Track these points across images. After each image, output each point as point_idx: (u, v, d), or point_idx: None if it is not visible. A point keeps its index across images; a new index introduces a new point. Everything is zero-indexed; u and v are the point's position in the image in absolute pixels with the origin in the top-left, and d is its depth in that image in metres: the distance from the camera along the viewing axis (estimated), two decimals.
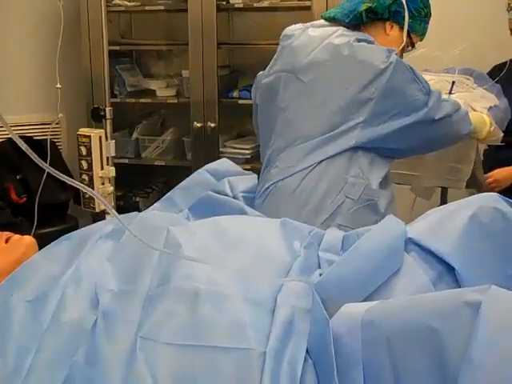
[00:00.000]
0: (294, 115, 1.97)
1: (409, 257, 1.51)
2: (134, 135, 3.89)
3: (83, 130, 2.34)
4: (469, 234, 1.53)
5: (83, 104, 3.59)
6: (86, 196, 2.33)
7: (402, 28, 2.02)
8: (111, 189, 2.36)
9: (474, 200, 1.61)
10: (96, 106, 2.37)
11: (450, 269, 1.52)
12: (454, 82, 2.22)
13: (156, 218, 1.61)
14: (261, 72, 2.15)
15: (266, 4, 3.42)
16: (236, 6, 3.47)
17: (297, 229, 1.55)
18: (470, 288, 1.24)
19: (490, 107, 2.28)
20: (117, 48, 3.76)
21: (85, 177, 2.33)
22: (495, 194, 1.64)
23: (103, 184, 2.33)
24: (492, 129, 2.13)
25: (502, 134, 2.20)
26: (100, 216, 2.37)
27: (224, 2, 3.42)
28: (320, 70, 1.93)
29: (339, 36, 1.95)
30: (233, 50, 3.88)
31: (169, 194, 1.83)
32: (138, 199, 3.87)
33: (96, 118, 2.35)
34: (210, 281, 1.26)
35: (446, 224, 1.57)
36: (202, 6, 3.35)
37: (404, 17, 1.99)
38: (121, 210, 2.93)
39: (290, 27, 2.10)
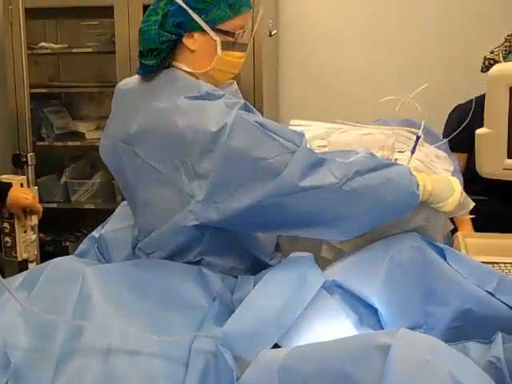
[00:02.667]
0: (142, 200, 1.66)
1: (332, 300, 1.52)
2: (63, 179, 3.82)
3: (4, 177, 2.28)
4: (390, 274, 1.54)
5: (8, 149, 3.51)
6: (8, 245, 2.27)
7: (202, 30, 1.62)
8: (34, 236, 2.30)
9: (394, 240, 1.63)
10: (17, 152, 2.31)
11: (373, 311, 1.53)
12: (418, 138, 1.78)
13: (71, 263, 1.59)
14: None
15: None
16: None
17: (212, 275, 1.55)
18: (381, 331, 1.26)
19: (454, 170, 1.93)
20: (44, 91, 3.72)
21: (6, 225, 2.27)
22: (414, 233, 1.66)
23: (25, 232, 2.27)
24: (463, 198, 1.70)
25: (473, 204, 1.76)
26: (23, 265, 2.31)
27: None
28: (151, 142, 1.59)
29: (168, 94, 1.61)
30: None
31: (93, 232, 1.82)
32: (67, 244, 3.79)
33: (18, 164, 2.30)
34: (122, 335, 1.24)
35: (368, 265, 1.58)
36: (129, 47, 3.34)
37: (194, 20, 1.61)
38: (50, 255, 2.86)
39: (124, 80, 1.77)
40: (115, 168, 1.73)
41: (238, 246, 1.62)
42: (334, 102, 3.58)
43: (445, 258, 1.61)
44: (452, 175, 1.85)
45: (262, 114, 3.26)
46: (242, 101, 1.60)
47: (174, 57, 1.67)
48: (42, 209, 2.34)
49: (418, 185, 1.57)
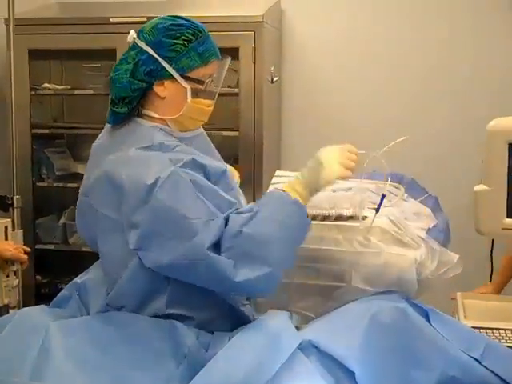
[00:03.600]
0: (102, 249, 1.69)
1: (307, 362, 1.46)
2: (62, 220, 3.78)
3: None
4: (369, 335, 1.48)
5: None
6: None
7: (173, 78, 1.66)
8: (16, 282, 2.25)
9: (374, 300, 1.58)
10: (2, 194, 2.28)
11: (351, 374, 1.46)
12: (384, 196, 1.71)
13: (37, 316, 1.56)
14: None
15: None
16: None
17: (185, 330, 1.51)
18: None
19: (429, 229, 1.84)
20: (46, 131, 3.70)
21: None
22: (396, 293, 1.61)
23: (8, 277, 2.22)
24: (434, 266, 1.64)
25: (461, 268, 1.66)
26: (4, 310, 2.25)
27: None
28: (101, 191, 1.62)
29: (126, 146, 1.63)
30: None
31: (77, 278, 1.81)
32: (63, 286, 3.73)
33: (2, 206, 2.26)
34: None
35: (347, 325, 1.52)
36: None
37: (165, 68, 1.66)
38: (46, 297, 2.81)
39: (98, 136, 1.81)
40: (82, 225, 1.80)
41: (209, 294, 1.56)
42: None
43: (429, 321, 1.56)
44: (427, 233, 1.79)
45: (262, 162, 3.32)
46: (190, 157, 1.59)
47: (144, 104, 1.72)
48: (26, 258, 2.29)
49: (288, 194, 1.57)
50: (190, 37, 1.67)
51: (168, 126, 1.71)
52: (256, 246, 1.48)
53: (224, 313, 1.61)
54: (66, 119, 4.03)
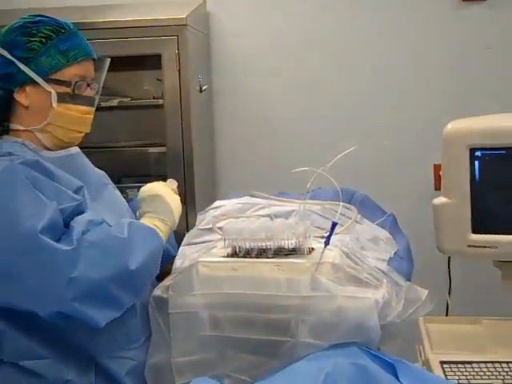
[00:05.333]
0: None
1: None
2: None
3: None
4: None
5: None
6: None
7: (34, 82, 1.48)
8: None
9: (329, 356, 1.25)
10: None
11: None
12: (335, 225, 1.38)
13: None
14: None
15: (114, 103, 3.07)
16: None
17: None
18: None
19: (390, 258, 1.54)
20: None
21: None
22: (356, 346, 1.28)
23: None
24: (400, 307, 1.33)
25: (432, 304, 1.39)
26: None
27: None
28: None
29: None
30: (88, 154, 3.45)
31: None
32: None
33: None
34: None
35: None
36: None
37: (23, 71, 1.47)
38: None
39: None
40: None
41: (64, 342, 1.36)
42: (269, 160, 3.22)
43: (397, 376, 1.27)
44: (389, 264, 1.50)
45: (193, 179, 2.96)
46: (34, 158, 1.43)
47: (9, 117, 1.53)
48: None
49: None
50: (49, 33, 1.49)
51: (37, 140, 1.52)
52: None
53: (92, 375, 1.39)
54: None
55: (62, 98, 1.49)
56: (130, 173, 3.24)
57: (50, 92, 1.48)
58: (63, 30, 1.51)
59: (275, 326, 1.31)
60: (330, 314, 1.28)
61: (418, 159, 3.00)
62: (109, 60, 1.64)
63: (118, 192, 1.71)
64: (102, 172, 1.69)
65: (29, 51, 1.47)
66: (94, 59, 1.57)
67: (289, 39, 3.20)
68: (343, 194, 1.64)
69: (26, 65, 1.47)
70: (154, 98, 3.09)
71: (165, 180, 2.80)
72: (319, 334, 1.28)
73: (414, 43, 3.05)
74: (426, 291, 1.41)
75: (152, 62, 3.04)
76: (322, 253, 1.33)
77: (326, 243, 1.35)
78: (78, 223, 1.36)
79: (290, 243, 1.41)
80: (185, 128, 2.91)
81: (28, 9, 3.33)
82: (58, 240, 1.32)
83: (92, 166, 1.65)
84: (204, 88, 3.03)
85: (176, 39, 2.89)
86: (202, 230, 1.62)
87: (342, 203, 1.55)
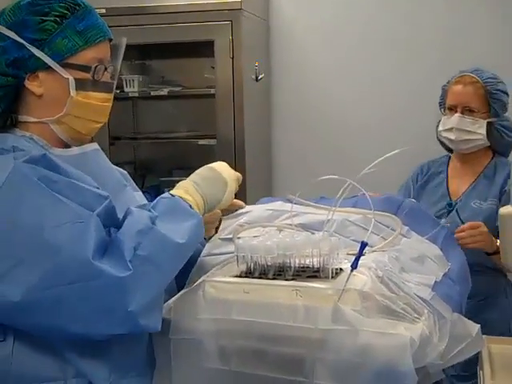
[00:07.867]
0: None
1: None
2: None
3: None
4: None
5: None
6: None
7: (48, 67, 1.30)
8: None
9: None
10: None
11: None
12: (364, 246, 1.14)
13: None
14: None
15: (164, 92, 2.91)
16: (131, 94, 2.97)
17: None
18: None
19: (436, 282, 1.29)
20: None
21: None
22: None
23: None
24: (443, 345, 1.11)
25: (484, 344, 1.23)
26: None
27: (118, 91, 2.88)
28: None
29: None
30: (138, 145, 3.34)
31: None
32: None
33: None
34: None
35: None
36: None
37: (35, 56, 1.29)
38: None
39: None
40: None
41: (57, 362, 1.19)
42: (329, 156, 3.02)
43: None
44: (434, 290, 1.24)
45: (245, 176, 2.76)
46: (41, 153, 1.23)
47: (18, 109, 1.34)
48: None
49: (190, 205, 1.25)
50: (64, 11, 1.29)
51: (50, 134, 1.34)
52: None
53: None
54: None
55: (81, 85, 1.32)
56: (182, 165, 3.08)
57: (68, 78, 1.31)
58: (78, 8, 1.32)
59: (288, 362, 1.10)
60: (353, 354, 1.06)
61: None
62: (125, 40, 1.44)
63: (138, 193, 1.53)
64: (123, 172, 1.51)
65: (42, 32, 1.29)
66: (110, 39, 1.38)
67: (352, 23, 2.98)
68: (390, 202, 1.44)
69: (38, 48, 1.29)
70: (207, 87, 2.92)
71: None
72: (339, 377, 1.06)
73: None
74: (477, 326, 1.17)
75: (203, 49, 2.88)
76: (348, 278, 1.10)
77: (353, 267, 1.12)
78: (126, 236, 1.16)
79: (314, 262, 1.19)
80: (237, 120, 2.74)
81: None
82: (105, 250, 1.15)
83: (110, 165, 1.45)
84: (260, 77, 2.84)
85: (230, 24, 2.72)
86: (223, 239, 1.42)
87: (382, 212, 1.32)
